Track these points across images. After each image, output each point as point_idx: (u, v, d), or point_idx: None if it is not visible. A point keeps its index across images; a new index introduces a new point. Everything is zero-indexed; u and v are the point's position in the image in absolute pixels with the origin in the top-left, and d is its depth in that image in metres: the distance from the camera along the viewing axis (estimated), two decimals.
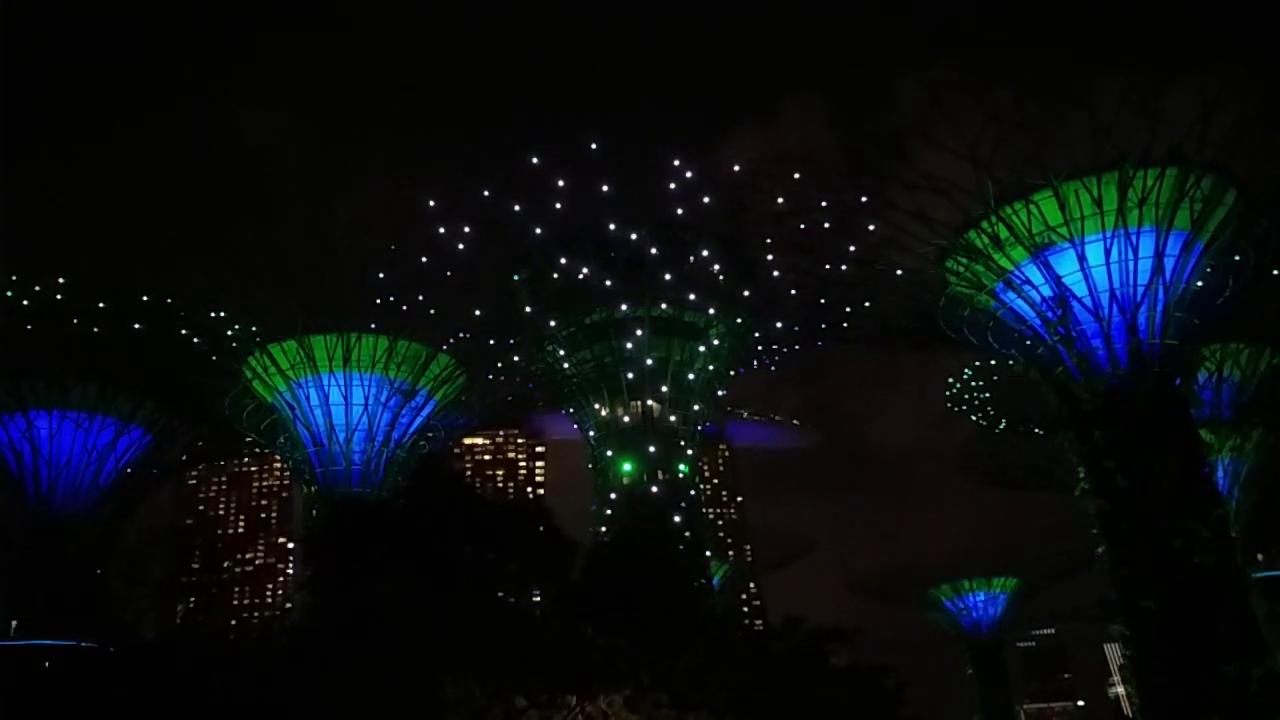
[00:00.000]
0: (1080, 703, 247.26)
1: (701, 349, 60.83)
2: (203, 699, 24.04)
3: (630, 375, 59.38)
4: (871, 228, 49.25)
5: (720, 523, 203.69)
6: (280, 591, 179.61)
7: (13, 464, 64.18)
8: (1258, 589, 45.04)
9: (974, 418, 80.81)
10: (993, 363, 68.32)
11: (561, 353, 60.57)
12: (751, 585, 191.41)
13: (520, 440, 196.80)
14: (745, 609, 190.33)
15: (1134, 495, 43.96)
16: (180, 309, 55.59)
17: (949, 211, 46.73)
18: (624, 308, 58.18)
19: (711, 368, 61.83)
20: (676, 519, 57.98)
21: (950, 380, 77.16)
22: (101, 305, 54.78)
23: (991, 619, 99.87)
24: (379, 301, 55.32)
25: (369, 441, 60.60)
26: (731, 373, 65.58)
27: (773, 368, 72.31)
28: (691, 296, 57.61)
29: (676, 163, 50.05)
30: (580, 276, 55.98)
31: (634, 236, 54.61)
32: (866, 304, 56.61)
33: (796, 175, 47.80)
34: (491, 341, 60.63)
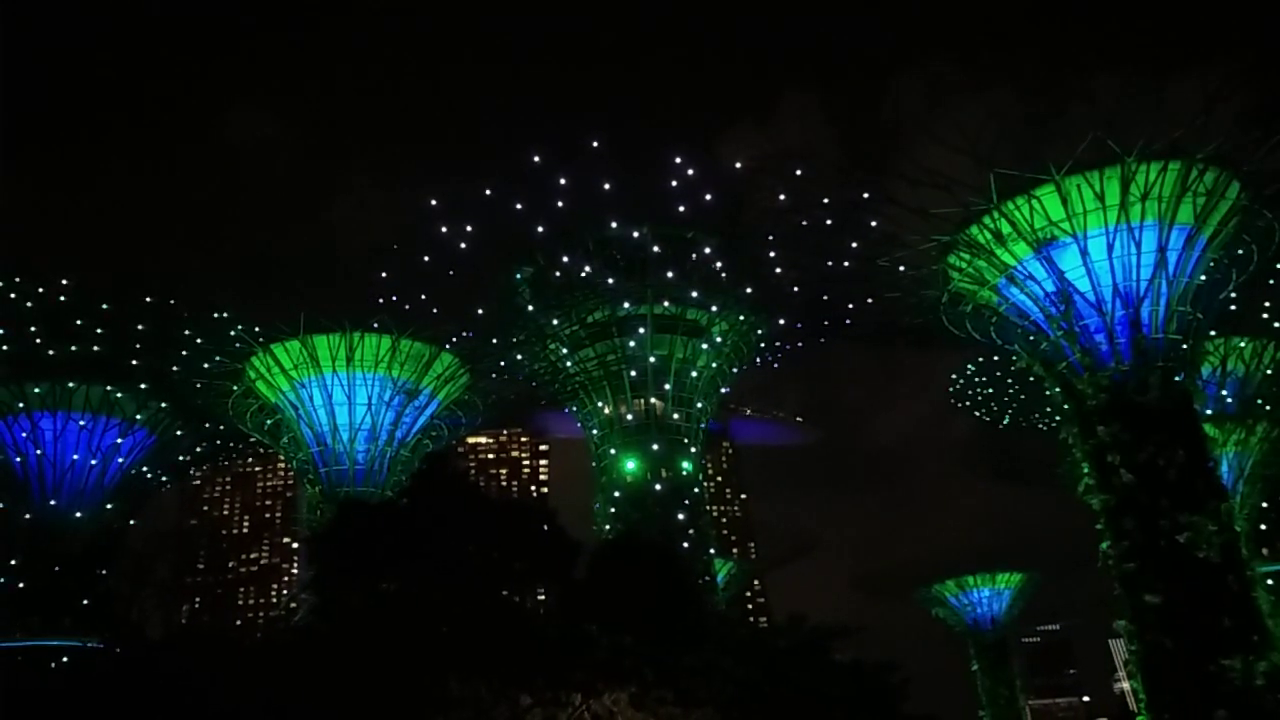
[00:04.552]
0: (1085, 698, 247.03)
1: (704, 346, 60.81)
2: (208, 699, 24.09)
3: (633, 373, 59.37)
4: (873, 224, 49.25)
5: (724, 520, 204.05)
6: (285, 591, 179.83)
7: (17, 466, 64.38)
8: (1262, 584, 45.01)
9: (977, 413, 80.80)
10: (996, 358, 68.30)
11: (564, 351, 60.58)
12: (755, 583, 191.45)
13: (524, 439, 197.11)
14: (749, 606, 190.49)
15: (1138, 490, 43.90)
16: (183, 310, 55.72)
17: (951, 207, 46.72)
18: (626, 306, 58.17)
19: (714, 365, 61.81)
20: (680, 517, 57.96)
21: (954, 376, 77.13)
22: (105, 307, 54.90)
23: (996, 614, 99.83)
24: (382, 301, 55.43)
25: (372, 441, 60.72)
26: (734, 370, 65.55)
27: (775, 365, 72.34)
28: (694, 294, 57.59)
29: (678, 160, 50.06)
30: (582, 274, 55.99)
31: (636, 234, 54.61)
32: (869, 300, 56.60)
33: (798, 172, 47.79)
34: (494, 340, 60.71)
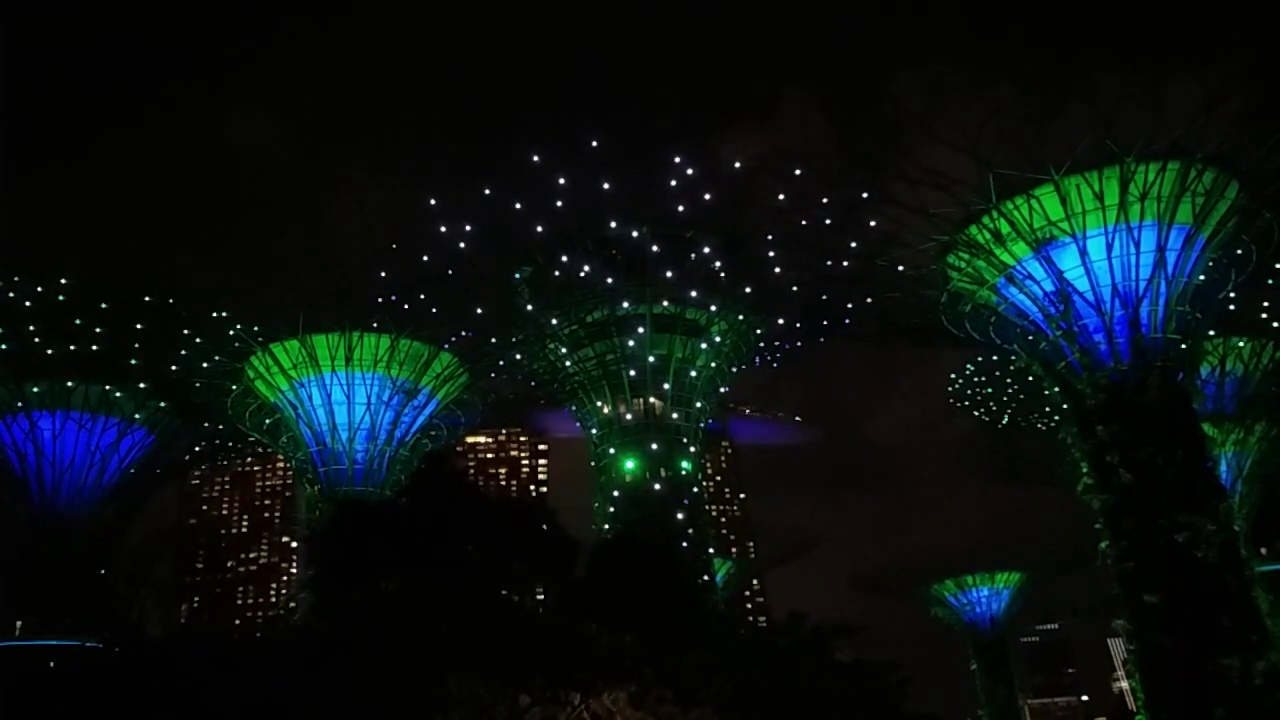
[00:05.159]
0: (1084, 697, 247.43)
1: (703, 346, 60.84)
2: (207, 699, 24.10)
3: (632, 373, 59.39)
4: (872, 224, 49.24)
5: (723, 520, 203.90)
6: (284, 590, 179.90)
7: (16, 465, 64.35)
8: (1261, 583, 45.04)
9: (976, 413, 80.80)
10: (995, 358, 68.31)
11: (563, 350, 60.59)
12: (755, 582, 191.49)
13: (523, 438, 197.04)
14: (749, 605, 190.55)
15: (1137, 490, 43.91)
16: (182, 309, 55.69)
17: (950, 207, 46.70)
18: (626, 305, 58.19)
19: (713, 365, 61.85)
20: (679, 516, 57.99)
21: (953, 376, 77.16)
22: (104, 306, 54.87)
23: (995, 614, 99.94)
24: (381, 300, 55.41)
25: (371, 440, 60.69)
26: (733, 369, 65.56)
27: (774, 364, 72.36)
28: (693, 293, 57.63)
29: (677, 160, 50.04)
30: (582, 274, 56.00)
31: (635, 234, 54.62)
32: (868, 300, 56.59)
33: (797, 172, 47.79)
34: (493, 340, 60.69)
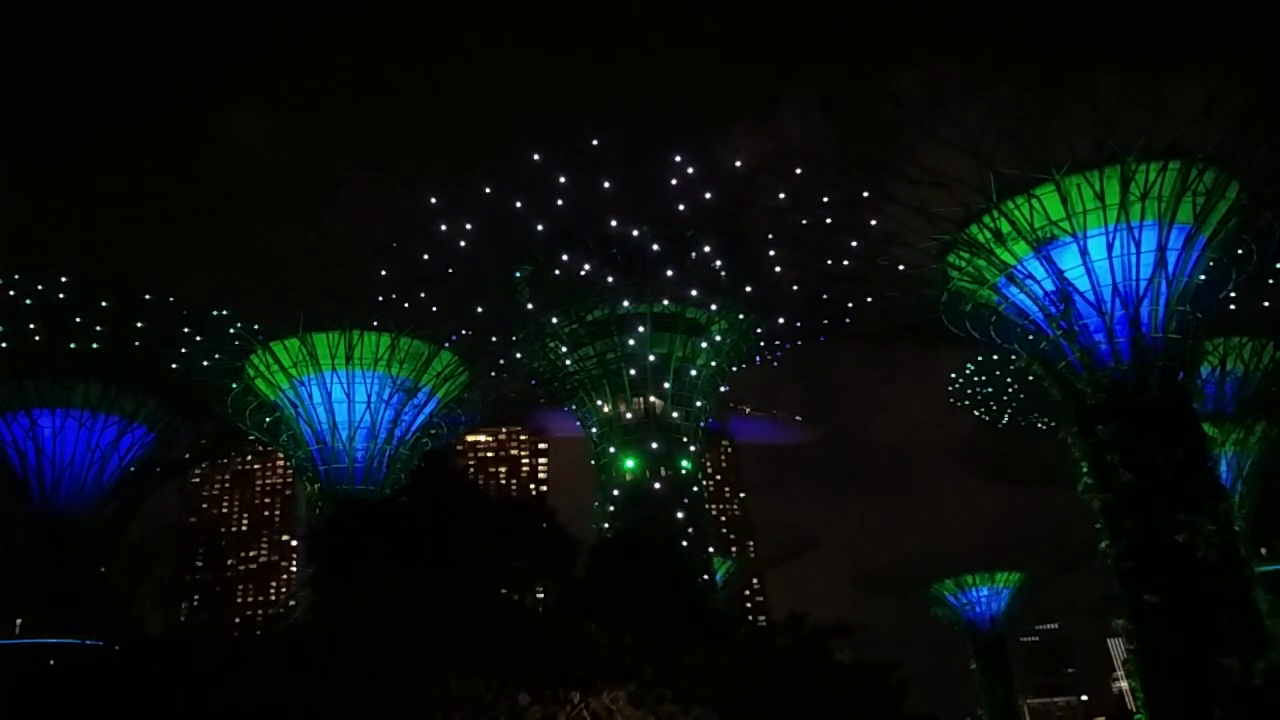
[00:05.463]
0: (1084, 697, 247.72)
1: (704, 345, 60.85)
2: (207, 697, 24.12)
3: (632, 372, 59.39)
4: (873, 223, 49.21)
5: (723, 519, 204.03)
6: (284, 589, 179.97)
7: (16, 463, 64.33)
8: (1261, 583, 45.07)
9: (977, 413, 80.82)
10: (995, 357, 68.30)
11: (564, 349, 60.59)
12: (755, 581, 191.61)
13: (523, 437, 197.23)
14: (749, 605, 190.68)
15: (1137, 490, 43.94)
16: (183, 307, 55.68)
17: (950, 206, 46.69)
18: (626, 304, 58.18)
19: (714, 364, 61.85)
20: (679, 515, 58.00)
21: (953, 375, 77.18)
22: (104, 304, 54.88)
23: (995, 614, 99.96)
24: (381, 299, 55.42)
25: (372, 439, 60.74)
26: (733, 369, 65.56)
27: (775, 363, 72.37)
28: (693, 292, 57.61)
29: (678, 159, 49.99)
30: (582, 273, 55.98)
31: (635, 233, 54.58)
32: (868, 299, 56.58)
33: (798, 171, 47.76)
34: (494, 338, 60.70)
